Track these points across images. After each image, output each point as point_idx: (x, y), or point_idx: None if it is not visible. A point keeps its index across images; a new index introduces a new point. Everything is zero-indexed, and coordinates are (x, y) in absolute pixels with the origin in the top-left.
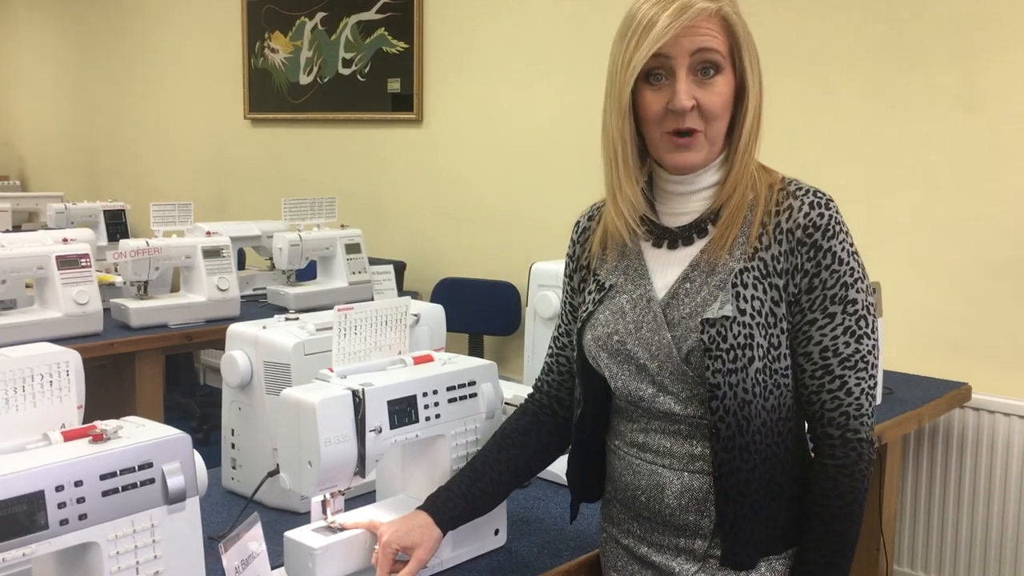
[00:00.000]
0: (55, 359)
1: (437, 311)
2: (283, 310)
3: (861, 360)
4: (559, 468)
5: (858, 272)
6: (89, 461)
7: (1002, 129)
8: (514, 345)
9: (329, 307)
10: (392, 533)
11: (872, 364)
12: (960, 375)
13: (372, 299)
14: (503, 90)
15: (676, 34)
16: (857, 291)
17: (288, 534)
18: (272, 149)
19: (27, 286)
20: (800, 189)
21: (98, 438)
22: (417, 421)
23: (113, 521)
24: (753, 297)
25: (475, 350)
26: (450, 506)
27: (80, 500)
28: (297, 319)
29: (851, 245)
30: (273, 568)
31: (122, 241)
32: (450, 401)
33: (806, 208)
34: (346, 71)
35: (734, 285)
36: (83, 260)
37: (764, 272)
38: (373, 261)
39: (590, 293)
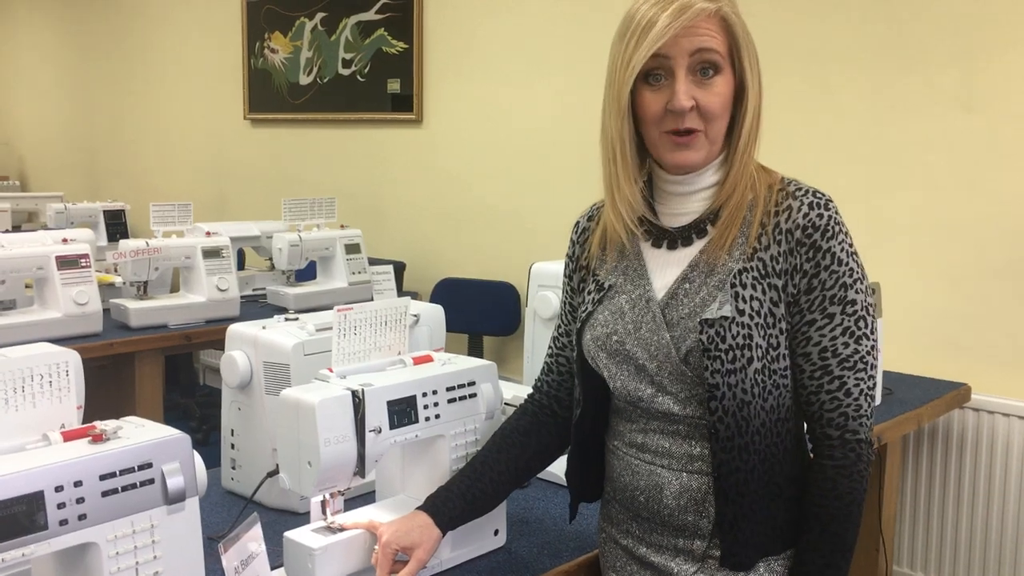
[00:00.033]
0: (55, 359)
1: (437, 311)
2: (283, 310)
3: (860, 361)
4: (559, 468)
5: (857, 273)
6: (89, 461)
7: (1001, 129)
8: (514, 345)
9: (329, 307)
10: (392, 533)
11: (871, 365)
12: (960, 375)
13: (372, 299)
14: (503, 90)
15: (675, 34)
16: (856, 292)
17: (288, 534)
18: (272, 149)
19: (27, 286)
20: (799, 189)
21: (98, 438)
22: (417, 421)
23: (113, 521)
24: (752, 297)
25: (475, 350)
26: (450, 506)
27: (80, 500)
28: (297, 319)
29: (850, 246)
30: (273, 568)
31: (122, 241)
32: (450, 401)
33: (805, 208)
34: (346, 71)
35: (733, 285)
36: (83, 260)
37: (763, 272)
38: (373, 261)
39: (589, 293)
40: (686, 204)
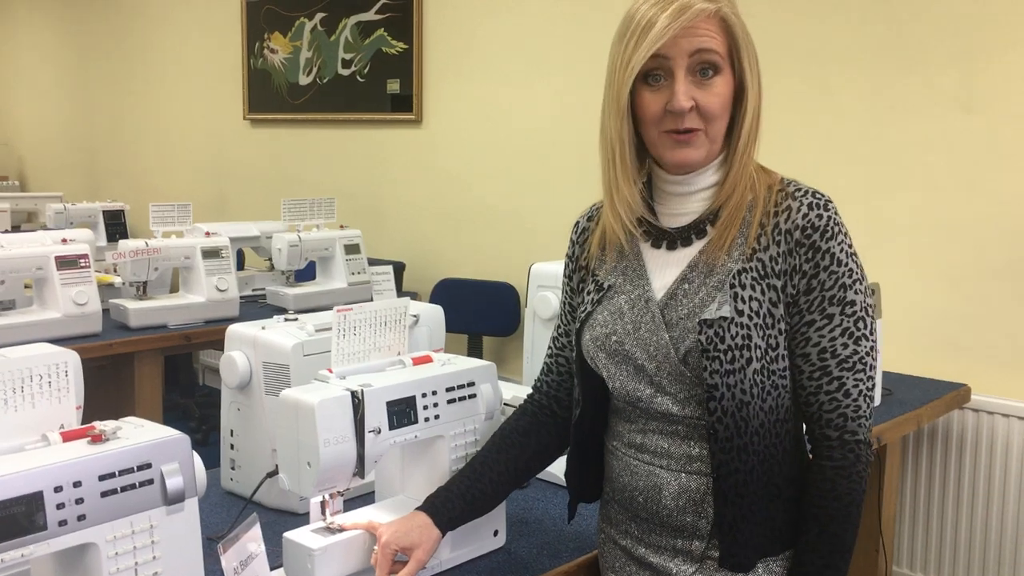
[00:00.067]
0: (54, 360)
1: (436, 312)
2: (282, 311)
3: (859, 361)
4: (558, 469)
5: (857, 273)
6: (88, 462)
7: (1001, 130)
8: (513, 346)
9: (328, 308)
10: (391, 534)
11: (870, 366)
12: (959, 376)
13: (371, 300)
14: (503, 90)
15: (675, 35)
16: (855, 292)
17: (287, 535)
18: (271, 149)
19: (26, 286)
20: (799, 190)
21: (97, 439)
22: (416, 422)
23: (112, 522)
24: (751, 298)
25: (474, 351)
26: (449, 507)
27: (79, 501)
28: (296, 320)
29: (850, 246)
30: (272, 569)
31: (121, 242)
32: (449, 402)
33: (805, 209)
34: (345, 72)
35: (732, 286)
36: (82, 260)
37: (762, 273)
38: (372, 262)
39: (589, 293)
40: (685, 204)
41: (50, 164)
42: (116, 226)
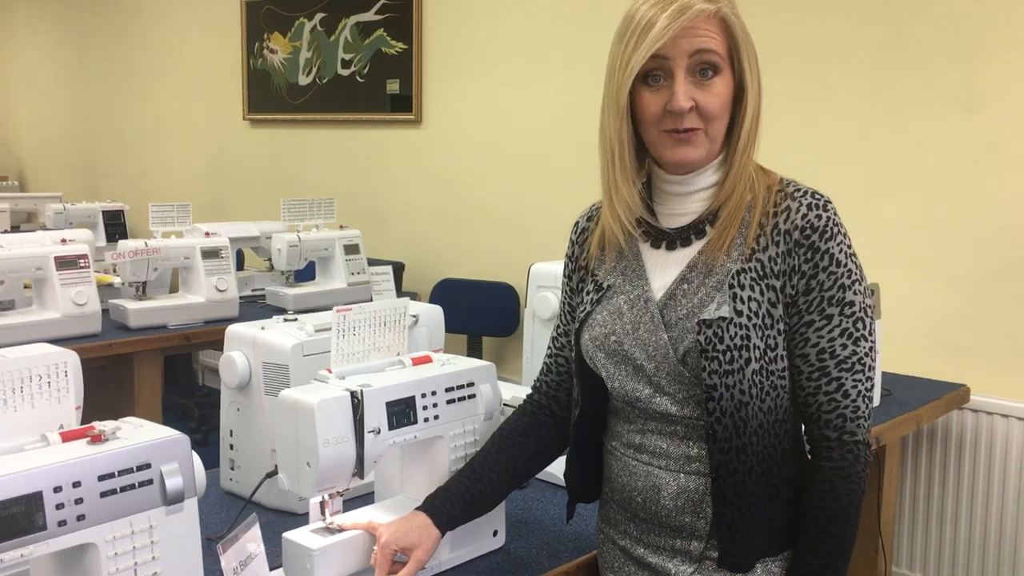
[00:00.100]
0: (53, 360)
1: (436, 312)
2: (282, 311)
3: (858, 362)
4: (557, 469)
5: (856, 274)
6: (87, 462)
7: (1001, 130)
8: (513, 346)
9: (328, 308)
10: (391, 534)
11: (869, 366)
12: (959, 376)
13: (371, 300)
14: (503, 90)
15: (675, 35)
16: (855, 293)
17: (286, 535)
18: (271, 150)
19: (25, 287)
20: (798, 190)
21: (96, 439)
22: (416, 422)
23: (111, 522)
24: (750, 298)
25: (474, 351)
26: (449, 507)
27: (78, 501)
28: (296, 320)
29: (849, 247)
30: (272, 569)
31: (121, 242)
32: (449, 402)
33: (804, 209)
34: (345, 72)
35: (731, 286)
36: (82, 261)
37: (761, 273)
38: (372, 262)
39: (588, 293)
40: (685, 205)
41: (50, 164)
42: (115, 226)
